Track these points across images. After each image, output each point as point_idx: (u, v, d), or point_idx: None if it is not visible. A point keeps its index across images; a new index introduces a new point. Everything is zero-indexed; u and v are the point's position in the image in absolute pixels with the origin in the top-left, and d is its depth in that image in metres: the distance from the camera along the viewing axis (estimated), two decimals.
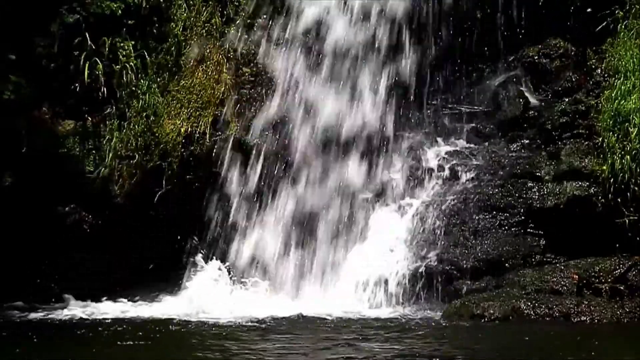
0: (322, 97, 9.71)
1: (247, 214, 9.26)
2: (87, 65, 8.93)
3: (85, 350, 6.49)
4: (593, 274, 8.02)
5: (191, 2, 9.72)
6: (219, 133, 9.39)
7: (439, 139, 9.88)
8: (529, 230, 8.74)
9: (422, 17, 10.04)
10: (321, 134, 9.55)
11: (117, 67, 9.12)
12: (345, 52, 9.92)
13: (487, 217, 8.87)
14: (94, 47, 8.99)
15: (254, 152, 9.38)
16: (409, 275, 8.58)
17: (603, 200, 8.46)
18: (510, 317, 7.76)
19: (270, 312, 7.92)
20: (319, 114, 9.66)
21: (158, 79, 9.36)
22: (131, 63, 9.16)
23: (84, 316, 7.99)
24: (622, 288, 7.85)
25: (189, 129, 9.28)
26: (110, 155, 8.93)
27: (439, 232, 8.90)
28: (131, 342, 6.69)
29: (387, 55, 9.94)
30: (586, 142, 9.05)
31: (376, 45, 9.94)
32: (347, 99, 9.74)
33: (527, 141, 9.60)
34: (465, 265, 8.54)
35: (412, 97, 10.03)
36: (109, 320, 7.72)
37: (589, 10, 9.61)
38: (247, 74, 9.82)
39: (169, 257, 9.07)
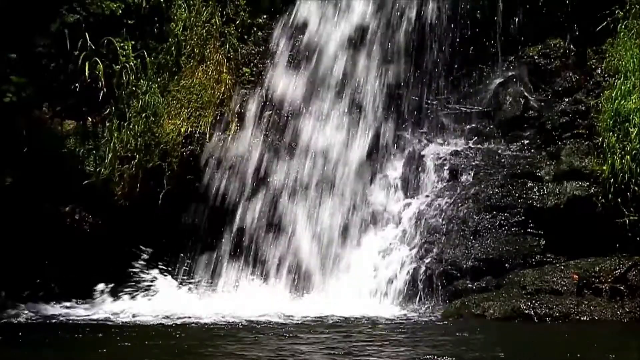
0: (322, 97, 9.73)
1: (245, 214, 9.26)
2: (87, 65, 8.94)
3: (77, 352, 6.50)
4: (593, 274, 8.03)
5: (191, 2, 9.72)
6: (219, 133, 9.39)
7: (439, 139, 9.88)
8: (529, 230, 8.74)
9: (423, 18, 10.05)
10: (321, 134, 9.56)
11: (117, 67, 9.13)
12: (346, 52, 9.94)
13: (487, 217, 8.87)
14: (94, 47, 8.99)
15: (253, 152, 9.40)
16: (409, 275, 8.58)
17: (603, 200, 8.46)
18: (511, 317, 7.77)
19: (271, 313, 7.93)
20: (318, 113, 9.67)
21: (158, 79, 9.37)
22: (131, 63, 9.17)
23: (81, 317, 7.98)
24: (622, 288, 7.85)
25: (189, 129, 9.28)
26: (110, 155, 8.93)
27: (439, 232, 8.90)
28: (127, 343, 6.71)
29: (387, 55, 9.94)
30: (586, 142, 9.05)
31: (377, 46, 9.95)
32: (348, 98, 9.76)
33: (527, 141, 9.60)
34: (465, 265, 8.54)
35: (412, 97, 10.04)
36: (108, 322, 7.72)
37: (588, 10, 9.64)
38: (247, 74, 9.83)
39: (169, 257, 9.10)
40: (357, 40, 9.98)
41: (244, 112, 9.54)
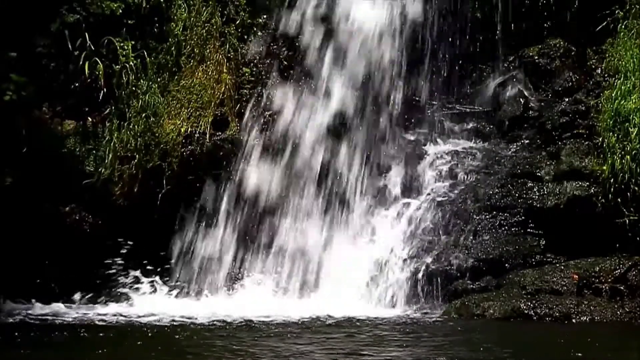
0: (322, 97, 9.73)
1: (244, 214, 9.26)
2: (87, 65, 8.94)
3: (76, 352, 6.49)
4: (593, 274, 8.03)
5: (191, 2, 9.72)
6: (219, 133, 9.40)
7: (439, 139, 9.89)
8: (529, 230, 8.73)
9: (423, 18, 10.05)
10: (321, 134, 9.56)
11: (117, 67, 9.13)
12: (346, 51, 9.95)
13: (487, 217, 8.87)
14: (93, 47, 8.99)
15: (253, 152, 9.39)
16: (409, 275, 8.58)
17: (603, 200, 8.46)
18: (511, 317, 7.77)
19: (273, 313, 7.92)
20: (318, 113, 9.67)
21: (158, 79, 9.37)
22: (131, 63, 9.17)
23: (82, 317, 7.98)
24: (622, 288, 7.85)
25: (189, 129, 9.28)
26: (110, 155, 8.93)
27: (439, 232, 8.89)
28: (126, 344, 6.70)
29: (387, 55, 9.95)
30: (586, 142, 9.05)
31: (376, 46, 9.96)
32: (347, 99, 9.75)
33: (527, 141, 9.60)
34: (465, 265, 8.53)
35: (412, 97, 10.04)
36: (108, 322, 7.71)
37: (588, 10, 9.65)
38: (247, 74, 9.83)
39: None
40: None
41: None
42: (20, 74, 8.46)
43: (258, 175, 9.28)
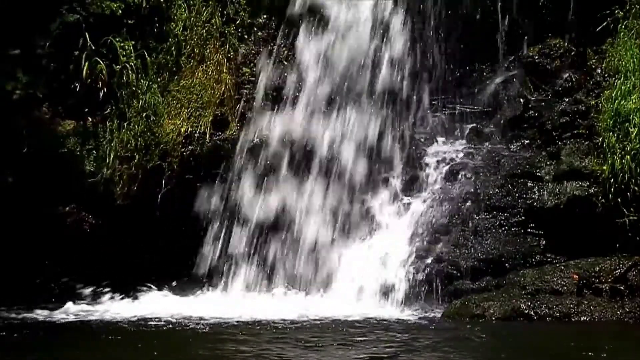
0: (323, 96, 9.74)
1: (244, 214, 9.26)
2: (87, 65, 8.95)
3: (82, 352, 6.49)
4: (593, 274, 8.02)
5: (191, 2, 9.74)
6: (219, 133, 9.40)
7: (439, 139, 9.89)
8: (529, 230, 8.73)
9: (423, 18, 10.06)
10: (321, 135, 9.57)
11: (117, 67, 9.14)
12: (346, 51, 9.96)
13: (487, 217, 8.87)
14: (93, 47, 9.00)
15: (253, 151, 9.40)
16: (409, 276, 8.57)
17: (603, 200, 8.46)
18: (511, 317, 7.77)
19: (272, 313, 7.92)
20: (319, 113, 9.68)
21: (158, 79, 9.38)
22: (131, 63, 9.18)
23: (82, 318, 7.97)
24: (622, 288, 7.85)
25: (189, 129, 9.29)
26: (111, 155, 8.94)
27: (439, 232, 8.89)
28: (126, 344, 6.70)
29: (387, 55, 9.95)
30: (586, 142, 9.05)
31: (376, 45, 9.96)
32: (347, 98, 9.76)
33: (527, 141, 9.60)
34: (465, 265, 8.53)
35: (412, 97, 10.05)
36: (106, 322, 7.71)
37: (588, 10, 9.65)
38: (247, 74, 9.83)
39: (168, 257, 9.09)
40: None
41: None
42: (22, 73, 8.48)
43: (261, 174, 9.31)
